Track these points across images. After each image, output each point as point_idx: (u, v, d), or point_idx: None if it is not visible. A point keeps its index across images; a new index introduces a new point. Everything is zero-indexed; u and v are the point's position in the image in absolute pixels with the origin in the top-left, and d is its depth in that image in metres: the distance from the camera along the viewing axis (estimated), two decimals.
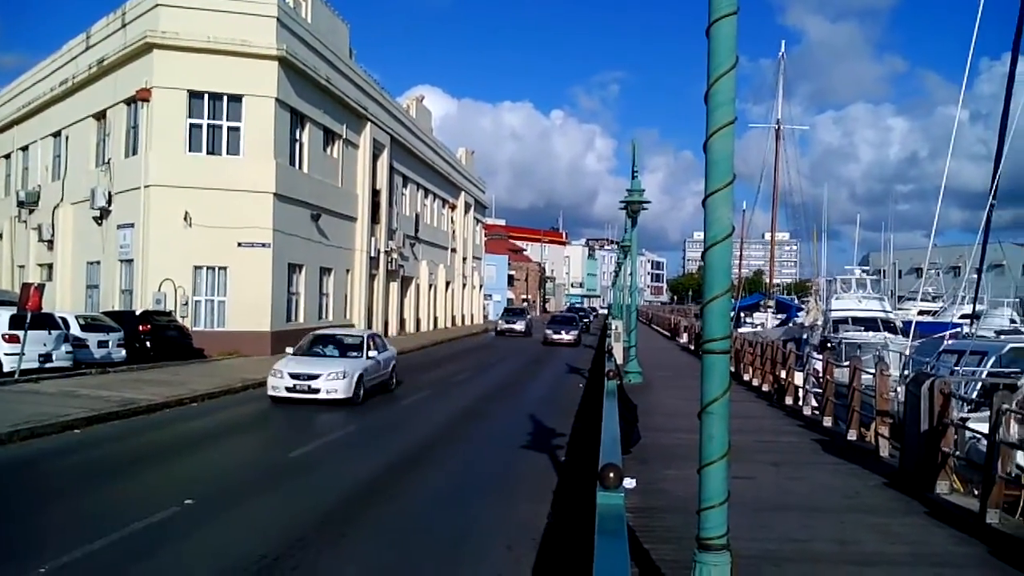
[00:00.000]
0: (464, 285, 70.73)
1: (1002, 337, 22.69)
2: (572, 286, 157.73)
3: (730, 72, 4.87)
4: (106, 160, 33.41)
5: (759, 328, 50.09)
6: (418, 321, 55.73)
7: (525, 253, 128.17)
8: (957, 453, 10.57)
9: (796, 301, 61.27)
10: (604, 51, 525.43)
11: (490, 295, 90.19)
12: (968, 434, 11.61)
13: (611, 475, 4.56)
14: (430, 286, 58.47)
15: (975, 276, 30.80)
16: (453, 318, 66.31)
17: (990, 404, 9.48)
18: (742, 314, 56.62)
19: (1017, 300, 44.32)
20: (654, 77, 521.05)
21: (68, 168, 36.65)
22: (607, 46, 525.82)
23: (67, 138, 36.82)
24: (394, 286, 48.93)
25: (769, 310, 57.52)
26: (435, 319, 60.45)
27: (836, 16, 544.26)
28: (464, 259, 69.89)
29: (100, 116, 34.34)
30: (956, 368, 17.00)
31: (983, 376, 16.24)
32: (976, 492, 9.77)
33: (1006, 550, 8.10)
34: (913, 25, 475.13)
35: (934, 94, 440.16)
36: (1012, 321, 35.42)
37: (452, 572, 8.54)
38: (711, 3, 4.87)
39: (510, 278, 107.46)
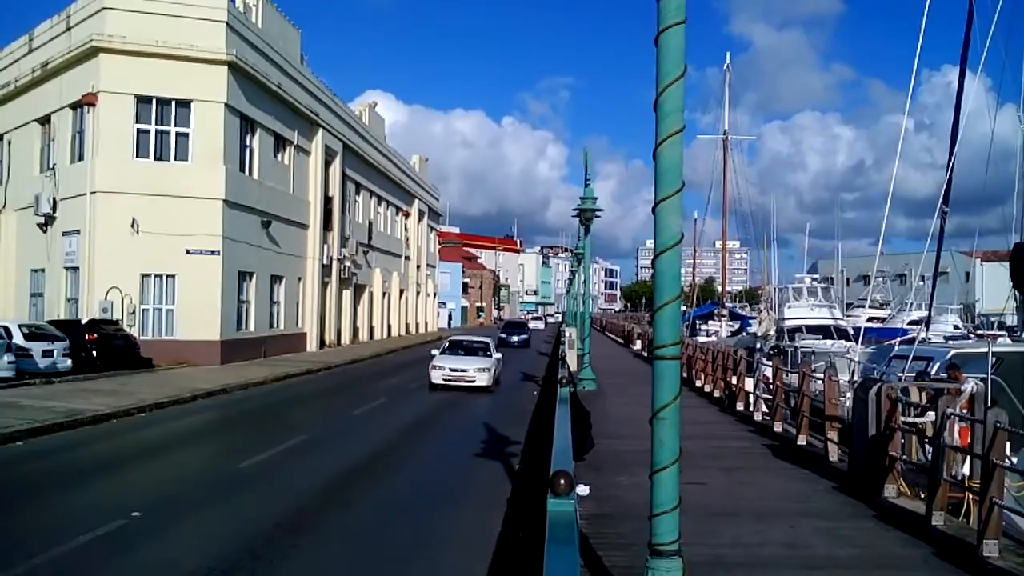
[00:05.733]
0: (418, 293, 70.51)
1: (949, 343, 23.16)
2: (527, 294, 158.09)
3: (678, 81, 4.90)
4: (51, 166, 32.72)
5: (713, 337, 50.59)
6: (371, 329, 55.41)
7: (479, 261, 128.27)
8: (904, 457, 10.75)
9: (748, 311, 62.04)
10: (553, 56, 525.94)
11: (444, 303, 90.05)
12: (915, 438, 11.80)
13: (562, 482, 4.56)
14: (384, 294, 58.17)
15: (920, 283, 31.46)
16: (407, 326, 66.04)
17: (935, 408, 9.66)
18: (697, 323, 57.21)
19: (960, 306, 45.37)
20: (603, 83, 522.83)
21: (11, 174, 35.79)
22: (555, 50, 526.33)
23: (10, 143, 35.98)
24: (347, 294, 48.57)
25: (723, 319, 58.15)
26: (389, 327, 60.19)
27: (782, 24, 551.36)
28: (418, 267, 69.67)
29: (44, 121, 33.63)
30: (902, 374, 17.31)
31: (929, 381, 16.54)
32: (922, 495, 9.95)
33: (950, 551, 8.26)
34: (859, 34, 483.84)
35: (880, 103, 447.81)
36: (955, 327, 36.24)
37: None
38: (659, 13, 4.90)
39: (464, 286, 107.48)
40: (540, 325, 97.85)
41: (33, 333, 24.43)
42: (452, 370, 25.72)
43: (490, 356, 27.34)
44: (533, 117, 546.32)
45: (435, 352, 27.63)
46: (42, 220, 31.96)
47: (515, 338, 54.66)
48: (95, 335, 26.46)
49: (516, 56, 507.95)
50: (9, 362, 22.22)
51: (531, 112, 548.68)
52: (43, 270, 32.82)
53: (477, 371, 25.83)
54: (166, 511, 10.67)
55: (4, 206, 35.28)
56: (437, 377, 25.78)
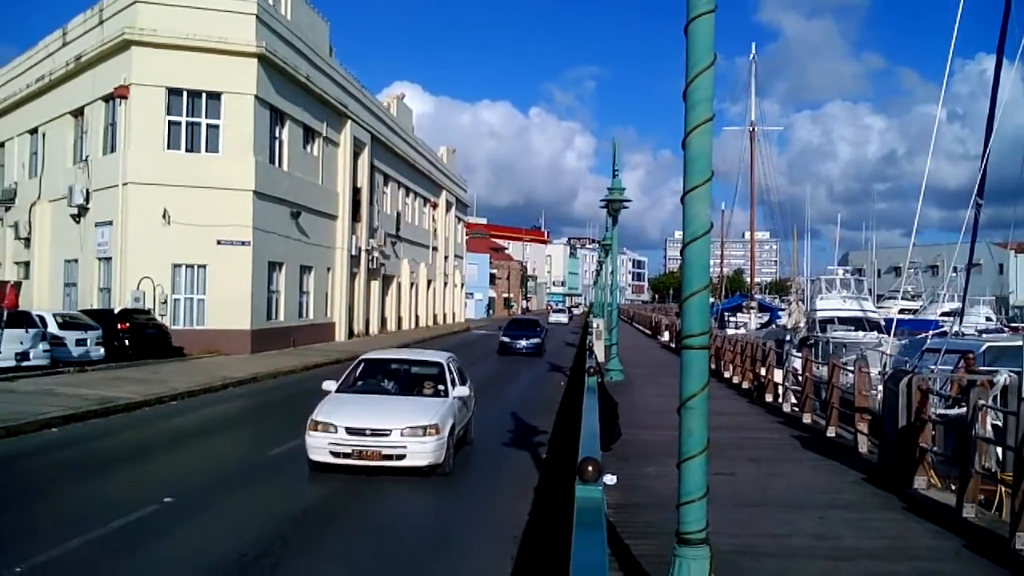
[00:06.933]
0: (445, 284, 70.67)
1: (983, 336, 22.92)
2: (554, 285, 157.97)
3: (708, 70, 4.89)
4: (84, 157, 33.14)
5: (742, 330, 50.34)
6: (399, 320, 55.66)
7: (507, 252, 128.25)
8: (935, 449, 10.67)
9: (777, 301, 61.63)
10: (578, 46, 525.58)
11: (471, 294, 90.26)
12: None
13: (590, 469, 4.58)
14: (411, 284, 58.39)
15: (953, 274, 31.07)
16: (435, 317, 66.25)
17: (966, 400, 9.57)
18: (726, 315, 56.92)
19: (993, 298, 44.80)
20: (629, 73, 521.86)
21: (45, 165, 36.32)
22: (581, 40, 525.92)
23: (44, 135, 36.49)
24: (375, 284, 48.82)
25: (752, 311, 57.82)
26: (416, 318, 60.39)
27: (811, 13, 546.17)
28: (446, 258, 69.83)
29: (78, 113, 34.06)
30: (933, 367, 17.15)
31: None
32: (953, 487, 9.87)
33: (982, 544, 8.19)
34: (890, 22, 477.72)
35: (912, 92, 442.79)
36: (988, 319, 35.83)
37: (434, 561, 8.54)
38: (689, 1, 4.89)
39: (492, 277, 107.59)
40: (563, 319, 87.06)
41: (67, 322, 24.80)
42: (352, 432, 11.85)
43: (444, 396, 13.43)
44: (560, 108, 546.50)
45: (329, 386, 13.68)
46: (75, 211, 32.39)
47: (522, 343, 39.39)
48: (127, 324, 26.80)
49: (542, 46, 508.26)
50: (44, 351, 22.61)
51: (558, 103, 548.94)
52: (76, 260, 33.28)
53: (407, 433, 11.85)
54: (197, 497, 10.80)
55: (39, 197, 35.79)
56: (319, 449, 11.94)
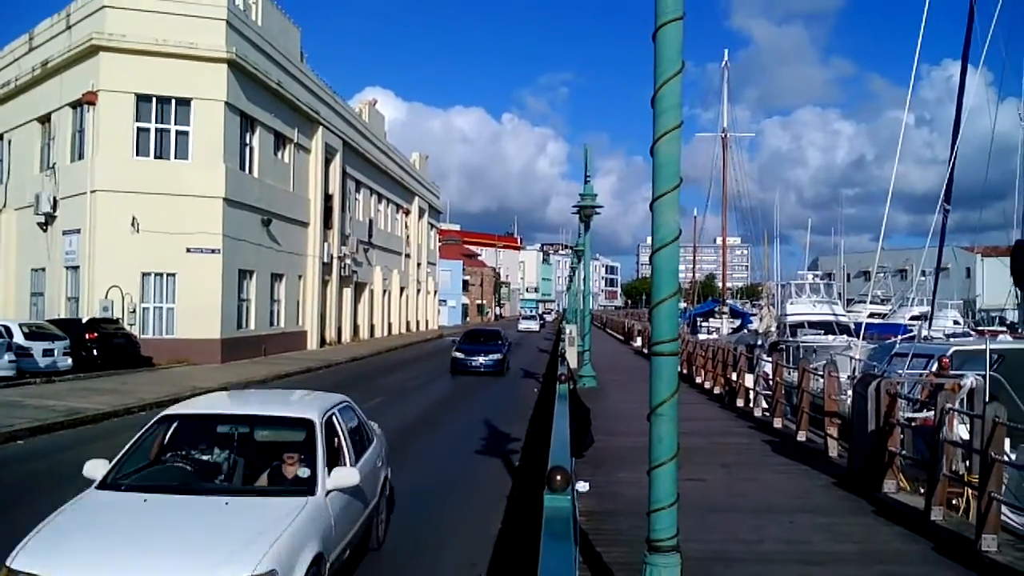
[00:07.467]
0: (418, 291, 70.50)
1: (951, 340, 23.16)
2: (527, 291, 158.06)
3: (676, 77, 4.90)
4: (51, 165, 32.74)
5: (714, 335, 50.69)
6: (372, 327, 55.40)
7: (480, 258, 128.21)
8: (903, 452, 10.76)
9: (748, 307, 62.09)
10: (551, 52, 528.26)
11: (444, 301, 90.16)
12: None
13: (558, 478, 4.57)
14: (384, 292, 58.16)
15: (922, 278, 31.45)
16: (407, 324, 66.03)
17: (934, 404, 9.67)
18: (698, 320, 57.28)
19: (961, 302, 45.37)
20: (602, 80, 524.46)
21: (11, 173, 35.81)
22: (554, 47, 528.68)
23: (10, 142, 35.99)
24: (347, 292, 48.56)
25: (724, 316, 58.23)
26: (389, 325, 60.17)
27: (782, 19, 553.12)
28: (418, 264, 69.67)
29: (44, 120, 33.64)
30: (901, 371, 17.31)
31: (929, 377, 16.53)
32: (922, 490, 9.96)
33: (949, 546, 8.27)
34: (859, 28, 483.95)
35: (881, 97, 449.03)
36: (955, 322, 36.27)
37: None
38: (657, 8, 4.89)
39: (465, 283, 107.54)
40: (534, 326, 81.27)
41: (34, 332, 24.43)
42: None
43: (307, 492, 6.67)
44: (533, 114, 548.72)
45: (94, 471, 7.54)
46: (42, 219, 31.97)
47: (479, 359, 31.67)
48: (95, 334, 26.46)
49: (515, 53, 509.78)
50: (10, 361, 22.22)
51: (530, 109, 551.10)
52: (43, 269, 32.83)
53: None
54: None
55: (4, 205, 35.29)
56: None
